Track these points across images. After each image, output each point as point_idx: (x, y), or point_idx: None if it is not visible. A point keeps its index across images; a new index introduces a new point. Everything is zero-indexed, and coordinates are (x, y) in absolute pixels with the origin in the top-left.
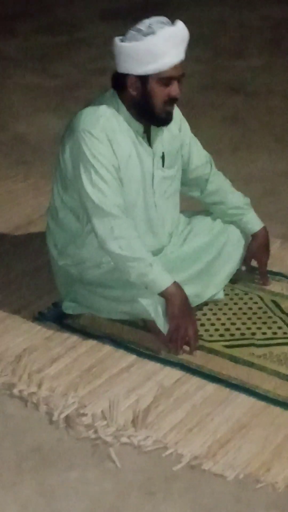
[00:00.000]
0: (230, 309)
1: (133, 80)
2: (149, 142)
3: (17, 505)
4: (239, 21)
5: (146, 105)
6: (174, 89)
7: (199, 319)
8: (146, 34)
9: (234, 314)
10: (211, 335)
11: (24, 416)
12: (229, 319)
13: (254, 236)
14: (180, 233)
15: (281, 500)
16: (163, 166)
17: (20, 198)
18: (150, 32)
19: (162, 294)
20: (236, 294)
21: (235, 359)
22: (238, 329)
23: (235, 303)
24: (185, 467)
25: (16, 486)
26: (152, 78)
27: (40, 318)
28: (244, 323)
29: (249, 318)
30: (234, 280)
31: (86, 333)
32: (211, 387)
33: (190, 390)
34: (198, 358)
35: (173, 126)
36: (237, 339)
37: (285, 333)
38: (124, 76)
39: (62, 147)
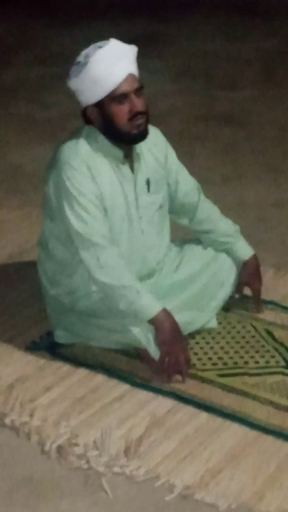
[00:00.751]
0: (223, 337)
1: (93, 110)
2: (131, 168)
3: None
4: (232, 53)
5: (112, 128)
6: (133, 104)
7: (192, 348)
8: (84, 64)
9: (227, 342)
10: (204, 364)
11: (16, 445)
12: (222, 347)
13: (245, 263)
14: (172, 261)
15: None
16: (148, 191)
17: (14, 227)
18: (87, 61)
19: (151, 322)
20: (229, 323)
21: (228, 388)
22: (231, 358)
23: (228, 332)
24: (177, 497)
25: None
26: (107, 101)
27: (32, 347)
28: (237, 352)
29: (242, 347)
30: (227, 308)
31: (78, 362)
32: (203, 416)
33: (182, 420)
34: (191, 387)
35: (159, 154)
36: (230, 368)
37: (277, 362)
38: (85, 108)
39: (47, 180)
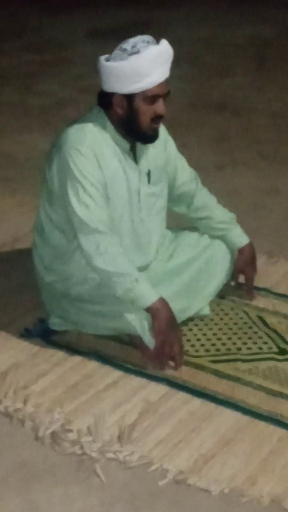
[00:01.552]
0: (216, 324)
1: (119, 99)
2: (135, 159)
3: None
4: (225, 40)
5: (133, 123)
6: (160, 106)
7: (185, 335)
8: (131, 54)
9: (220, 329)
10: (197, 351)
11: (10, 432)
12: (215, 334)
13: (240, 251)
14: (166, 249)
15: None
16: (148, 182)
17: (6, 215)
18: (135, 52)
19: (148, 310)
20: (222, 310)
21: (220, 374)
22: (223, 344)
23: (221, 319)
24: (170, 482)
25: (2, 502)
26: (138, 97)
27: (26, 334)
28: (229, 338)
29: (235, 333)
30: (220, 295)
31: (72, 349)
32: (196, 402)
33: (175, 406)
34: (184, 374)
35: (158, 143)
36: (223, 354)
37: (270, 348)
38: (110, 94)
39: (49, 163)
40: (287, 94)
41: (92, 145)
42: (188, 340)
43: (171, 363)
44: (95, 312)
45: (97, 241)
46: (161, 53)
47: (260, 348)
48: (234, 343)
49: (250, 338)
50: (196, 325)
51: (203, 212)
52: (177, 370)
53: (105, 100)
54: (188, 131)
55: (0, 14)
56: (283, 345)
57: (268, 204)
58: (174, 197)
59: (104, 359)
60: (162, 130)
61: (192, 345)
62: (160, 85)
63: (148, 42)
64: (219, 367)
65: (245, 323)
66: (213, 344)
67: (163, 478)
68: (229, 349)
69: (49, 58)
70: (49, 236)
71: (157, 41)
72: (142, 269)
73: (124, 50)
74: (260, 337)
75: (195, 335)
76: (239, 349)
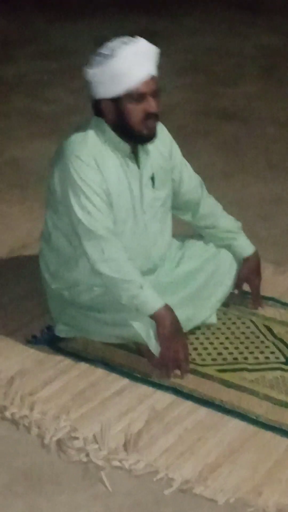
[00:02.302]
0: (223, 333)
1: (107, 104)
2: (137, 163)
3: None
4: (233, 49)
5: (125, 126)
6: (149, 105)
7: (192, 343)
8: (108, 57)
9: (226, 338)
10: (203, 359)
11: (16, 439)
12: (221, 343)
13: (246, 260)
14: (173, 257)
15: None
16: (153, 186)
17: (15, 221)
18: (112, 55)
19: (153, 317)
20: (229, 319)
21: (227, 384)
22: (230, 353)
23: (228, 328)
24: (176, 491)
25: (6, 509)
26: (124, 98)
27: (33, 341)
28: (236, 348)
29: (242, 343)
30: (227, 304)
31: (78, 357)
32: (203, 411)
33: (182, 414)
34: (191, 382)
35: (163, 149)
36: (230, 364)
37: (277, 357)
38: (99, 101)
39: (51, 171)
40: None
41: (92, 152)
42: (195, 349)
43: (177, 372)
44: (102, 320)
45: (101, 247)
46: (137, 51)
47: (267, 358)
48: (241, 353)
49: (257, 347)
50: (203, 334)
51: (208, 220)
52: (183, 378)
53: (97, 108)
54: (196, 139)
55: (9, 22)
56: None
57: (276, 214)
58: (180, 204)
59: (111, 366)
60: (167, 136)
61: (199, 354)
62: (145, 83)
63: (125, 43)
64: (226, 376)
65: (252, 332)
66: (220, 353)
67: (169, 487)
68: (235, 359)
69: (58, 65)
70: (56, 244)
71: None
72: (148, 273)
73: (102, 54)
74: (267, 347)
75: (201, 344)
76: (246, 358)
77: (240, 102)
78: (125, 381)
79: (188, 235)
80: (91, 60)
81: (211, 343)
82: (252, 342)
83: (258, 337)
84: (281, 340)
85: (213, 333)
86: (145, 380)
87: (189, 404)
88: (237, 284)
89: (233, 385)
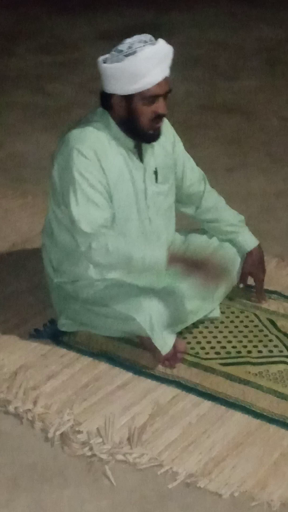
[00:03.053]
0: (226, 327)
1: (118, 100)
2: (140, 157)
3: None
4: (236, 42)
5: (133, 124)
6: (160, 106)
7: (195, 337)
8: (127, 55)
9: (230, 332)
10: (207, 353)
11: (20, 433)
12: (225, 337)
13: (249, 254)
14: (176, 251)
15: None
16: (156, 181)
17: (17, 216)
18: (131, 53)
19: (170, 263)
20: (232, 312)
21: (231, 377)
22: (234, 347)
23: (231, 321)
24: (180, 485)
25: (11, 503)
26: (136, 97)
27: (36, 335)
28: (240, 341)
29: (245, 336)
30: (230, 298)
31: (82, 351)
32: (207, 405)
33: (185, 408)
34: (194, 376)
35: (166, 143)
36: (233, 357)
37: (280, 351)
38: (110, 95)
39: (53, 163)
40: None
41: (94, 145)
42: (198, 343)
43: (181, 364)
44: (104, 314)
45: (105, 241)
46: (157, 53)
47: (271, 351)
48: (245, 346)
49: (260, 341)
50: (206, 327)
51: (211, 214)
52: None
53: (106, 101)
54: (199, 133)
55: (12, 16)
56: None
57: (279, 207)
58: (183, 198)
59: (114, 360)
60: (170, 130)
61: (203, 348)
62: (159, 84)
63: (145, 42)
64: (230, 370)
65: (255, 326)
66: (224, 347)
67: (173, 481)
68: (239, 352)
69: (61, 59)
70: (58, 237)
71: (156, 40)
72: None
73: (120, 51)
74: (270, 340)
75: (205, 337)
76: (250, 352)
77: (242, 96)
78: (128, 375)
79: (191, 229)
80: (109, 55)
81: (215, 337)
82: (256, 336)
83: (261, 331)
84: (285, 334)
85: (217, 327)
86: (148, 374)
87: (193, 397)
88: (241, 278)
89: (237, 379)
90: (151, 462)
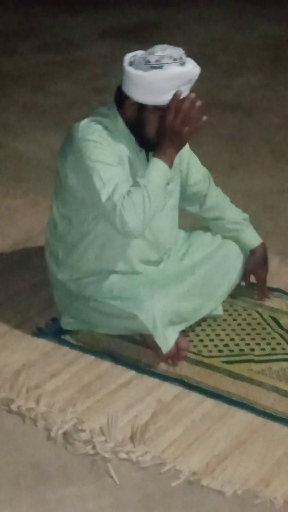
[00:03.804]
0: (229, 325)
1: (131, 103)
2: (147, 155)
3: None
4: (239, 39)
5: (139, 130)
6: None
7: (198, 335)
8: (153, 67)
9: (233, 330)
10: (210, 351)
11: (22, 431)
12: (228, 335)
13: (252, 251)
14: (179, 249)
15: None
16: None
17: (19, 214)
18: (157, 67)
19: (167, 161)
20: (235, 310)
21: (234, 375)
22: (237, 345)
23: (234, 319)
24: (184, 483)
25: (14, 502)
26: (149, 108)
27: (38, 333)
28: (243, 339)
29: (248, 334)
30: (233, 295)
31: (84, 349)
32: (210, 403)
33: (188, 406)
34: (197, 374)
35: None
36: (236, 355)
37: (284, 349)
38: (125, 95)
39: (63, 158)
40: None
41: (101, 134)
42: (201, 341)
43: (184, 362)
44: (107, 312)
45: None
46: (183, 75)
47: (274, 349)
48: (248, 344)
49: (263, 338)
50: (209, 325)
51: (215, 212)
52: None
53: (120, 97)
54: (201, 130)
55: (14, 14)
56: None
57: (282, 205)
58: (187, 196)
59: (117, 359)
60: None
61: (205, 346)
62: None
63: (175, 59)
64: (233, 368)
65: (258, 323)
66: (226, 345)
67: (176, 479)
68: (242, 350)
69: (63, 58)
70: (62, 232)
71: (184, 59)
72: (154, 264)
73: (148, 62)
74: (273, 338)
75: (207, 335)
76: (253, 350)
77: (245, 93)
78: (131, 373)
79: (194, 227)
80: (136, 59)
81: (218, 335)
82: (259, 334)
83: (264, 328)
84: None
85: (219, 325)
86: (151, 372)
87: (195, 395)
88: (244, 276)
89: (240, 377)
90: (154, 460)
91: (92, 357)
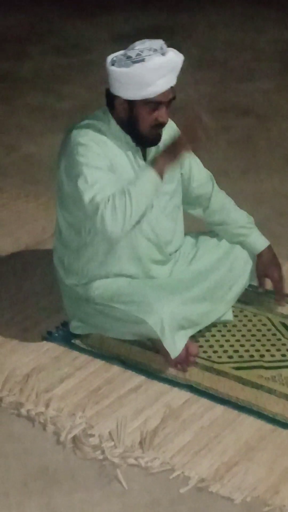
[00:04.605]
0: (239, 330)
1: (121, 102)
2: (144, 156)
3: None
4: (249, 43)
5: (133, 128)
6: (161, 114)
7: (208, 340)
8: (134, 62)
9: (243, 335)
10: (219, 357)
11: (32, 436)
12: (238, 340)
13: (259, 255)
14: (187, 254)
15: None
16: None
17: (30, 217)
18: (139, 60)
19: (160, 173)
20: (245, 316)
21: (243, 381)
22: (247, 351)
23: (244, 325)
24: (192, 489)
25: (22, 506)
26: (139, 103)
27: (48, 337)
28: (253, 345)
29: (258, 340)
30: (244, 301)
31: (94, 353)
32: (219, 409)
33: (198, 412)
34: (207, 380)
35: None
36: (246, 361)
37: None
38: (114, 96)
39: (59, 163)
40: None
41: (95, 138)
42: (211, 346)
43: (194, 368)
44: (116, 316)
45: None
46: (165, 64)
47: (284, 355)
48: (257, 350)
49: (273, 345)
50: (219, 331)
51: (219, 216)
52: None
53: (110, 100)
54: (213, 135)
55: (25, 17)
56: None
57: None
58: (191, 199)
59: (127, 363)
60: (175, 130)
61: (215, 351)
62: (164, 93)
63: (155, 50)
64: (242, 374)
65: (268, 329)
66: (236, 351)
67: (185, 485)
68: (252, 356)
69: (74, 61)
70: (67, 238)
71: (165, 48)
72: (161, 263)
73: (129, 57)
74: (283, 344)
75: (217, 341)
76: (262, 356)
77: (256, 98)
78: (140, 378)
79: (201, 232)
80: (117, 58)
81: (227, 341)
82: (269, 340)
83: (274, 335)
84: None
85: (229, 331)
86: (161, 377)
87: (205, 401)
88: (259, 282)
89: (250, 383)
90: (163, 466)
91: (102, 362)
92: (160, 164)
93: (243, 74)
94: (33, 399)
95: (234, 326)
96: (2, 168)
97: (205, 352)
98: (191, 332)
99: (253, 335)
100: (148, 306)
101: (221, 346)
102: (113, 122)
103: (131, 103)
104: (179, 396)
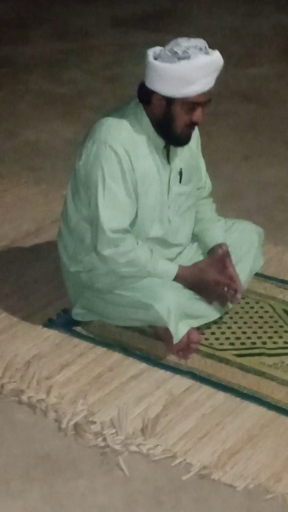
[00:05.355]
0: (241, 317)
1: (159, 98)
2: (168, 157)
3: None
4: (251, 29)
5: (167, 126)
6: (197, 114)
7: (210, 327)
8: (180, 58)
9: (245, 323)
10: (221, 344)
11: (33, 423)
12: (239, 328)
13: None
14: (191, 256)
15: None
16: (180, 182)
17: (31, 204)
18: (185, 57)
19: (176, 280)
20: (247, 303)
21: (245, 368)
22: (248, 338)
23: (246, 312)
24: (194, 476)
25: (24, 494)
26: (178, 101)
27: (49, 324)
28: (255, 332)
29: (260, 327)
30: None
31: (95, 340)
32: (221, 396)
33: (200, 399)
34: (208, 367)
35: (192, 143)
36: (248, 348)
37: None
38: (151, 91)
39: (79, 153)
40: None
41: (126, 142)
42: (213, 333)
43: (195, 355)
44: (120, 303)
45: (110, 246)
46: (210, 64)
47: (286, 342)
48: (260, 337)
49: (275, 332)
50: (220, 318)
51: (200, 226)
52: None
53: (145, 95)
54: (214, 121)
55: (25, 2)
56: None
57: None
58: None
59: (128, 350)
60: (196, 131)
61: (217, 338)
62: (203, 94)
63: (200, 49)
64: (244, 361)
65: (270, 317)
66: (238, 338)
67: (187, 473)
68: (254, 343)
69: (74, 46)
70: (76, 227)
71: (209, 49)
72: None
73: (175, 53)
74: (286, 331)
75: (219, 328)
76: (265, 343)
77: (258, 83)
78: (142, 365)
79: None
80: (161, 53)
81: (229, 328)
82: (271, 327)
83: (276, 322)
84: None
85: (231, 318)
86: (162, 364)
87: (207, 388)
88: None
89: (252, 370)
90: (165, 454)
91: (103, 349)
92: (185, 275)
93: (245, 60)
94: (34, 386)
95: (236, 313)
96: (2, 154)
97: (207, 339)
98: (196, 323)
99: (255, 322)
100: (154, 292)
101: (223, 333)
102: (145, 120)
103: (169, 100)
104: (181, 383)
